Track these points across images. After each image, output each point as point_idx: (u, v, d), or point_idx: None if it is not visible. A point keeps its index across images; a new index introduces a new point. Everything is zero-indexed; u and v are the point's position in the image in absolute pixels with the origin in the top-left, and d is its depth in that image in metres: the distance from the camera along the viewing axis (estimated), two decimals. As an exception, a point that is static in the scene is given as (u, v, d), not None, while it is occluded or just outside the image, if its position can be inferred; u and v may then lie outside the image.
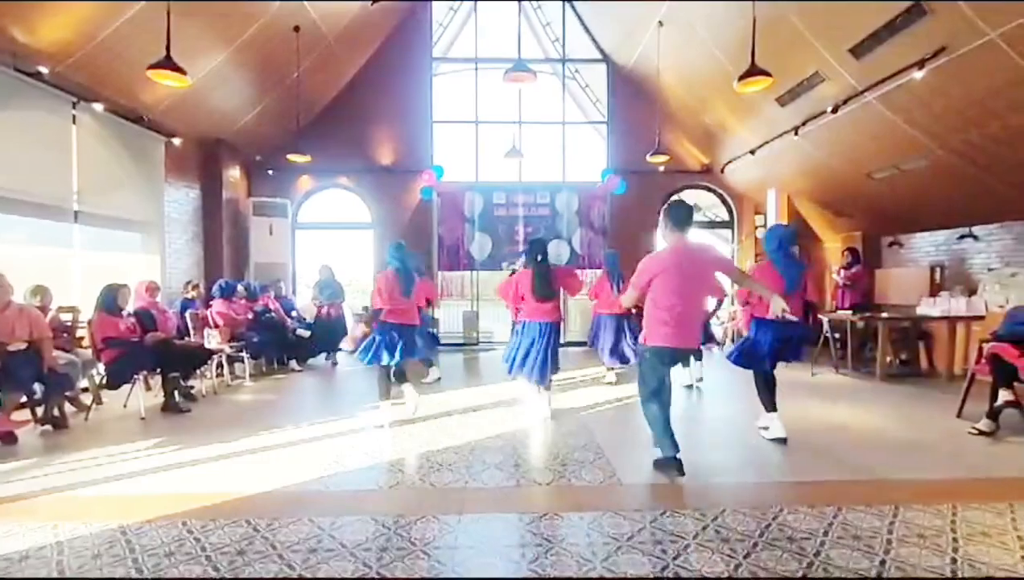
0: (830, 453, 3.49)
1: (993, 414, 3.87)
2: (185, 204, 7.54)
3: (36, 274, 4.77)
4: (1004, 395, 3.85)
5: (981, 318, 5.91)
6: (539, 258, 4.16)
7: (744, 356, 3.82)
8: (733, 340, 8.90)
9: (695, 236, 3.15)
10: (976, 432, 3.84)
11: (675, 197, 9.10)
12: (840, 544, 2.28)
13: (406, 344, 4.12)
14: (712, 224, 10.16)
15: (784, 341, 3.68)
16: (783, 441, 3.66)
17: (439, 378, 5.97)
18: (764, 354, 3.71)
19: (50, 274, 5.02)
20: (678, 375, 5.76)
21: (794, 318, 3.41)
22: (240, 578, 2.05)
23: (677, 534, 2.39)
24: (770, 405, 3.78)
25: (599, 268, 8.56)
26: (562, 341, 5.74)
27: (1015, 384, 3.85)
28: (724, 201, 9.82)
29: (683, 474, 3.02)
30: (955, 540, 2.32)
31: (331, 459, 3.44)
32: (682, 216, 3.01)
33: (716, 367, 6.66)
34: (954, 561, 2.15)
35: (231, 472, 3.22)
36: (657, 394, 3.10)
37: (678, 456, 3.04)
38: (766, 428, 3.79)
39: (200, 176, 7.85)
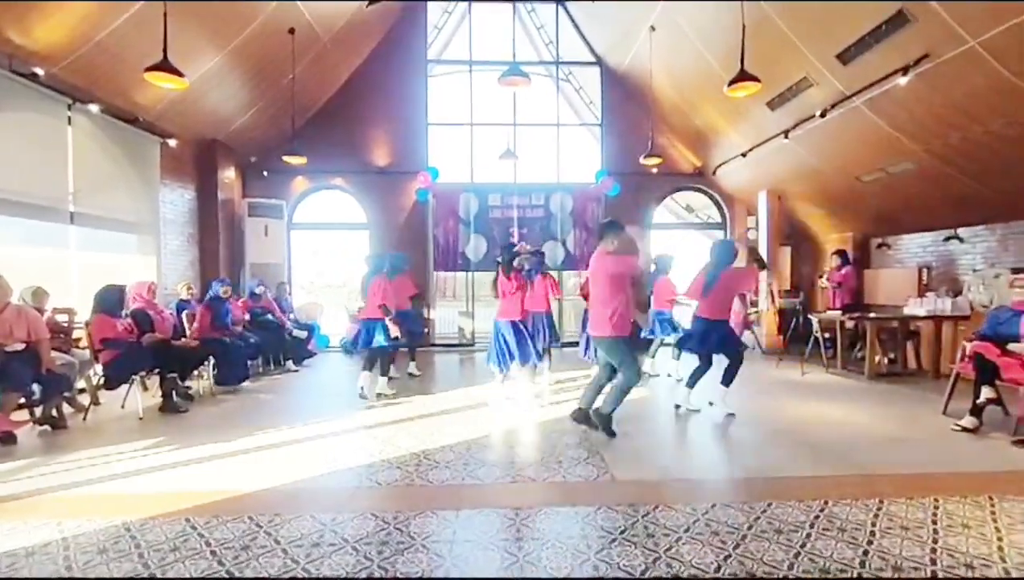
0: (819, 449, 3.58)
1: (976, 411, 3.98)
2: (180, 205, 7.55)
3: (32, 275, 4.78)
4: (986, 392, 3.95)
5: (966, 318, 6.04)
6: (498, 260, 4.93)
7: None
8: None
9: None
10: (960, 429, 3.95)
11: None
12: (826, 536, 2.37)
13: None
14: (705, 225, 10.28)
15: (704, 336, 4.49)
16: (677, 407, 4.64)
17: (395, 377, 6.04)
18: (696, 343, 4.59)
19: (46, 275, 5.02)
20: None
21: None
22: (247, 577, 2.09)
23: (669, 528, 2.47)
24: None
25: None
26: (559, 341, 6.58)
27: (997, 382, 3.96)
28: (716, 203, 9.94)
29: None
30: (936, 531, 2.41)
31: (330, 457, 3.49)
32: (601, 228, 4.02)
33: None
34: (934, 551, 2.24)
35: (231, 470, 3.26)
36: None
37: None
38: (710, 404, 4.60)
39: (195, 177, 7.85)
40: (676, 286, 5.94)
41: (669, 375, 6.13)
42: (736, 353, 4.49)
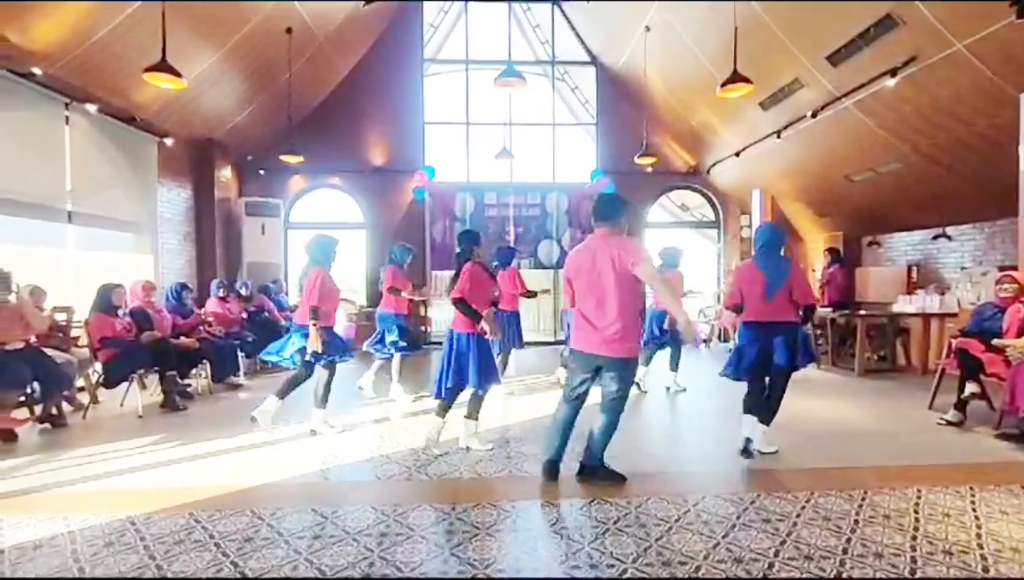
0: (808, 443, 3.67)
1: (960, 405, 4.08)
2: (177, 204, 7.57)
3: (30, 274, 4.80)
4: (971, 387, 4.06)
5: (954, 315, 6.15)
6: (456, 253, 3.67)
7: (731, 367, 3.51)
8: (720, 338, 9.13)
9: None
10: (945, 423, 4.05)
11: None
12: (811, 525, 2.45)
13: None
14: (699, 224, 10.38)
15: (765, 347, 3.34)
16: (746, 453, 3.37)
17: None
18: (750, 363, 3.39)
19: (44, 274, 5.05)
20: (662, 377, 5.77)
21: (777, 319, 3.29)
22: (251, 567, 2.15)
23: (660, 518, 2.54)
24: (746, 407, 3.47)
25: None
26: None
27: (981, 377, 4.06)
28: (711, 201, 10.04)
29: (553, 478, 2.99)
30: (917, 520, 2.50)
31: (328, 453, 3.55)
32: (602, 206, 2.83)
33: (695, 364, 6.85)
34: (914, 539, 2.33)
35: (232, 466, 3.32)
36: (567, 399, 3.00)
37: (551, 459, 3.02)
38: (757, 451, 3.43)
39: (192, 176, 7.87)
40: (685, 282, 5.41)
41: (668, 389, 5.35)
42: (787, 370, 3.35)
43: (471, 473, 3.19)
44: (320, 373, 3.96)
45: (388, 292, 5.01)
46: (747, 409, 3.47)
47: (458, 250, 3.66)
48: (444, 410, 3.59)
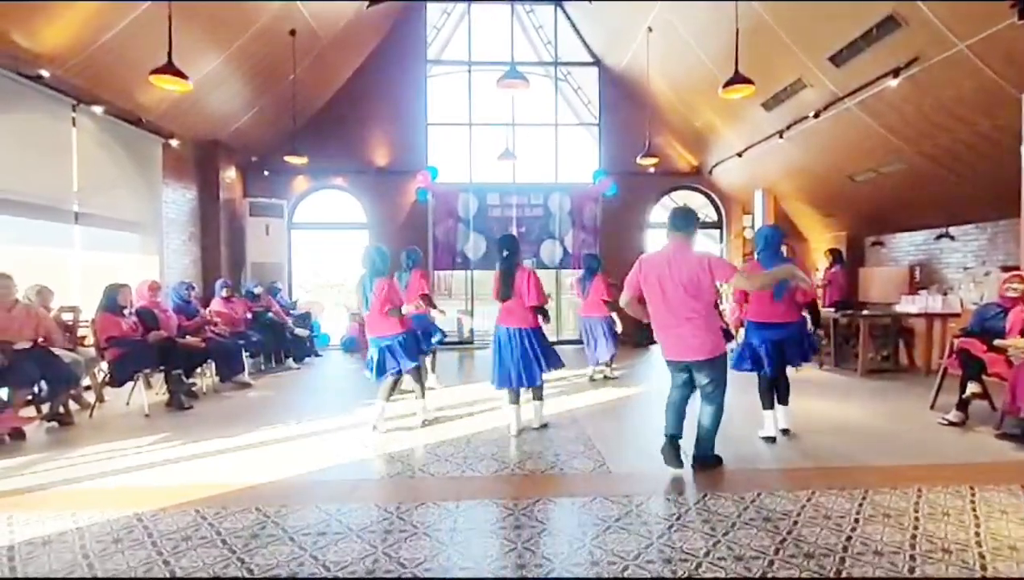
0: (810, 443, 3.68)
1: (962, 405, 4.08)
2: (182, 205, 7.62)
3: (37, 274, 4.85)
4: (972, 387, 4.05)
5: (957, 315, 6.14)
6: (504, 255, 3.94)
7: (742, 360, 3.79)
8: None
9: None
10: (946, 423, 4.05)
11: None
12: (812, 523, 2.47)
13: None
14: (701, 225, 10.37)
15: (776, 343, 3.66)
16: (771, 439, 3.68)
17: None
18: (759, 357, 3.69)
19: (50, 274, 5.10)
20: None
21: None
22: (262, 576, 2.19)
23: (661, 516, 2.57)
24: (767, 403, 3.76)
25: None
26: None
27: (983, 377, 4.06)
28: (713, 202, 10.04)
29: (675, 450, 3.13)
30: (917, 519, 2.51)
31: (332, 451, 3.59)
32: (677, 218, 3.10)
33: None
34: (914, 537, 2.34)
35: (237, 464, 3.35)
36: (674, 385, 3.25)
37: (670, 434, 3.18)
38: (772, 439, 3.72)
39: (197, 177, 7.92)
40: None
41: None
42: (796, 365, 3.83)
43: (473, 471, 3.21)
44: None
45: (424, 300, 5.12)
46: (770, 403, 3.77)
47: (505, 254, 3.96)
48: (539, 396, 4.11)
